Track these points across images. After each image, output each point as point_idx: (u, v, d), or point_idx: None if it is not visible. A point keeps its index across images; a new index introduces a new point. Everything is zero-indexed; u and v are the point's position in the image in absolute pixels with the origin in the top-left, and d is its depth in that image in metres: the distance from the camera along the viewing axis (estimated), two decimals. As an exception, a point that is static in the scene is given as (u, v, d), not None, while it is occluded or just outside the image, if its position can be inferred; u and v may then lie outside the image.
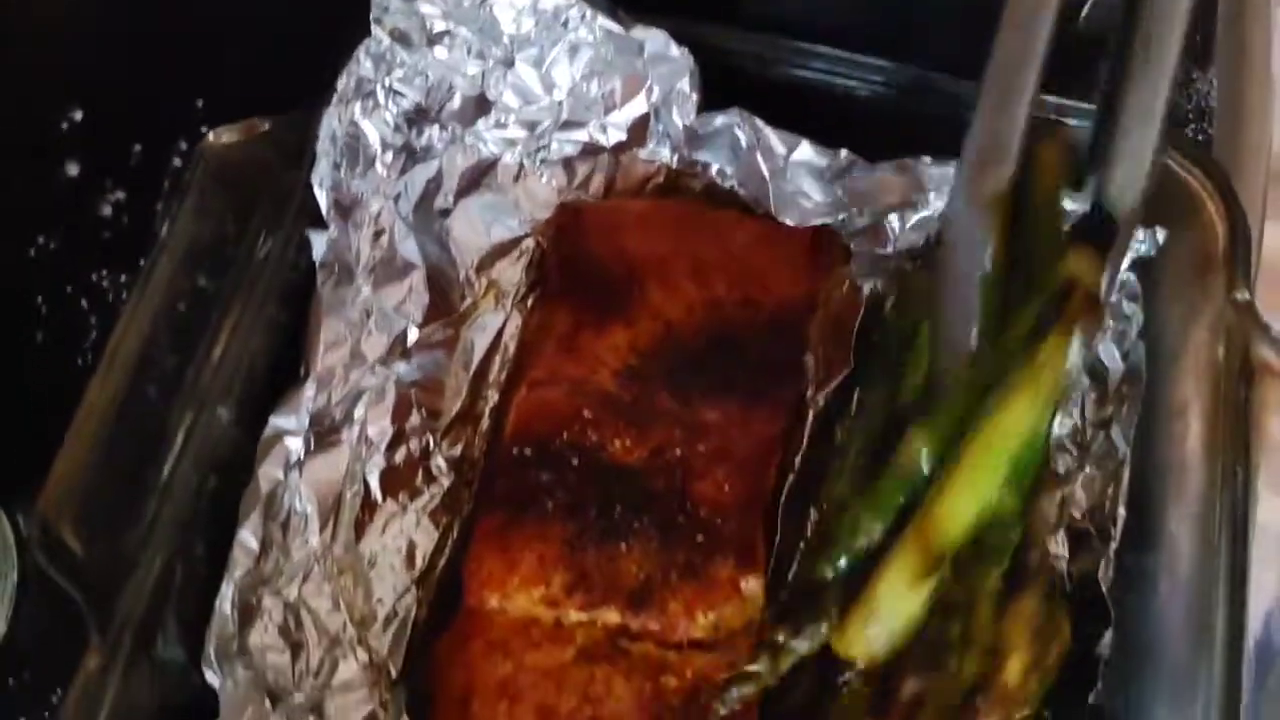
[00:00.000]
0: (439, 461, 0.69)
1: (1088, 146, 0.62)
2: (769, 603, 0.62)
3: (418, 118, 0.70)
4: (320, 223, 0.66)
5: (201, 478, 0.62)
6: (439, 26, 0.69)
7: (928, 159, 0.69)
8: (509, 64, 0.70)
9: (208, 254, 0.64)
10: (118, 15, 0.84)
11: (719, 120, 0.70)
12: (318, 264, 0.66)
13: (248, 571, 0.63)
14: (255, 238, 0.65)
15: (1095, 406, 0.69)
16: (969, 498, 0.58)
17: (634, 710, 0.61)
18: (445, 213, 0.73)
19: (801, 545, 0.65)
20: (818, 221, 0.70)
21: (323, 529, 0.65)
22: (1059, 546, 0.66)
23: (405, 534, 0.67)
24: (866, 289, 0.71)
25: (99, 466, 0.58)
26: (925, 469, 0.59)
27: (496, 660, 0.62)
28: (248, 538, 0.63)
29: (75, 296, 0.76)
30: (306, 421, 0.65)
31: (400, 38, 0.68)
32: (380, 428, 0.67)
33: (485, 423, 0.71)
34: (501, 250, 0.74)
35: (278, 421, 0.65)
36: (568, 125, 0.73)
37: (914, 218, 0.70)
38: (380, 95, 0.68)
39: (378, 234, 0.69)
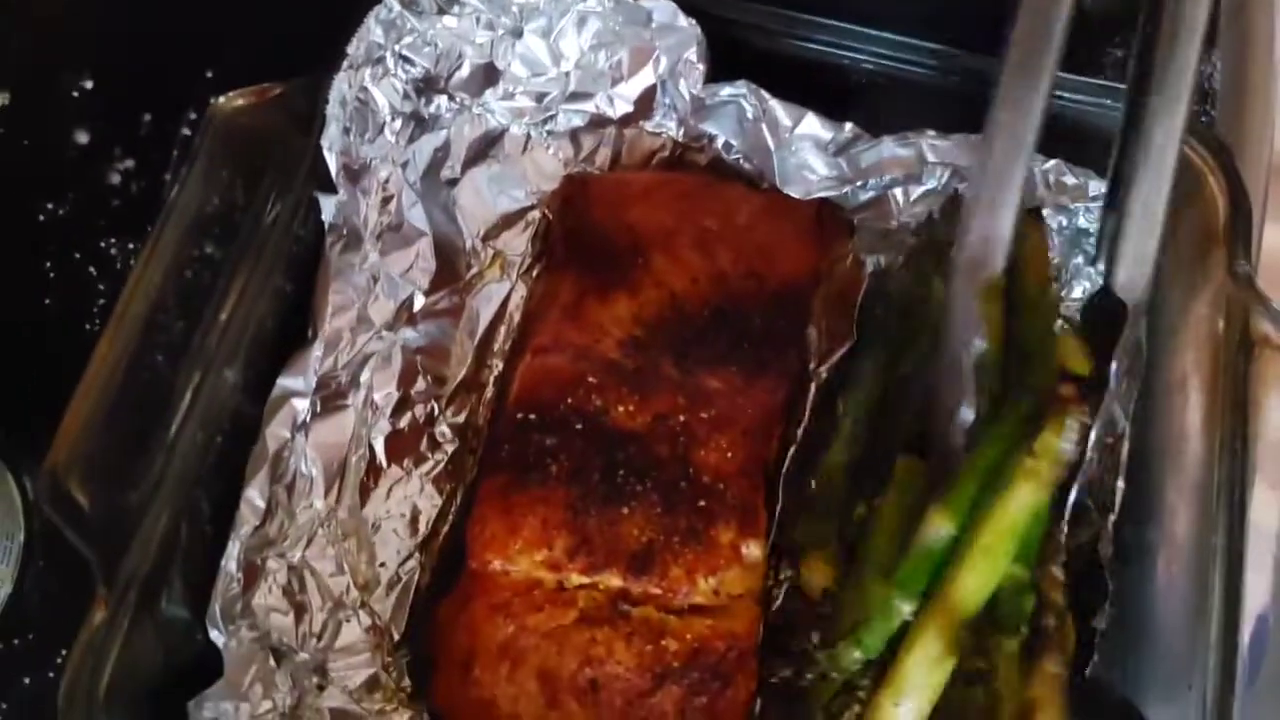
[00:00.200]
0: (443, 428, 0.70)
1: (1095, 237, 0.66)
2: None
3: (426, 86, 0.70)
4: (329, 187, 0.67)
5: (208, 438, 0.63)
6: (449, -6, 0.69)
7: (932, 133, 0.69)
8: (518, 34, 0.71)
9: (216, 219, 0.64)
10: (129, -16, 0.84)
11: (725, 91, 0.71)
12: (326, 227, 0.67)
13: (253, 531, 0.63)
14: (264, 202, 0.66)
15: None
16: (984, 576, 0.60)
17: (635, 673, 0.61)
18: (452, 182, 0.73)
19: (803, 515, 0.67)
20: (822, 194, 0.71)
21: (328, 492, 0.66)
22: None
23: (409, 499, 0.68)
24: (870, 263, 0.72)
25: (106, 424, 0.58)
26: (944, 545, 0.61)
27: (498, 623, 0.62)
28: (254, 497, 0.63)
29: (84, 263, 0.76)
30: (314, 383, 0.65)
31: (410, 5, 0.68)
32: (386, 393, 0.68)
33: (490, 390, 0.72)
34: (508, 221, 0.74)
35: (285, 382, 0.65)
36: (575, 97, 0.73)
37: (918, 191, 0.71)
38: (390, 62, 0.69)
39: (386, 200, 0.69)
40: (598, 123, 0.74)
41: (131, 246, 0.76)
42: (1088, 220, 0.69)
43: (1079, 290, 0.71)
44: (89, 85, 0.81)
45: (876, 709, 0.60)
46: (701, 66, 0.70)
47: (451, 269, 0.72)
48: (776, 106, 0.70)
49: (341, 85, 0.66)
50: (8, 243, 0.77)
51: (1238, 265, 0.63)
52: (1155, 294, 0.68)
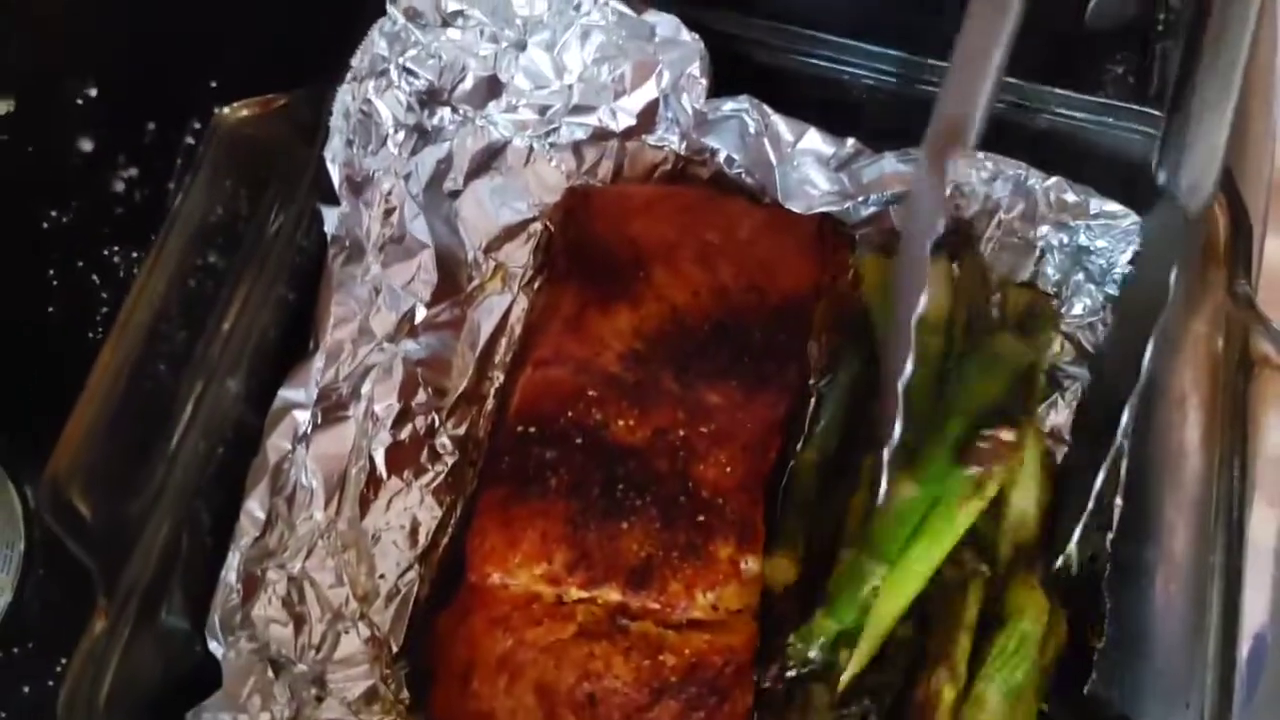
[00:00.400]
0: (444, 440, 0.70)
1: (1158, 144, 0.64)
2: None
3: (430, 98, 0.71)
4: (332, 199, 0.67)
5: (209, 449, 0.63)
6: (453, 7, 0.69)
7: (934, 149, 0.69)
8: (521, 46, 0.71)
9: (219, 229, 0.64)
10: (134, -8, 0.84)
11: (728, 106, 0.71)
12: (329, 238, 0.67)
13: (253, 543, 0.63)
14: (266, 213, 0.66)
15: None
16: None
17: (632, 688, 0.61)
18: (455, 194, 0.73)
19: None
20: (823, 209, 0.71)
21: (328, 504, 0.66)
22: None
23: (409, 511, 0.68)
24: (870, 277, 0.72)
25: (108, 434, 0.59)
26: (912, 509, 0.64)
27: (497, 636, 0.63)
28: (254, 508, 0.63)
29: (87, 271, 0.76)
30: (315, 395, 0.65)
31: (414, 17, 0.69)
32: (387, 404, 0.68)
33: (490, 403, 0.72)
34: (510, 233, 0.74)
35: (286, 394, 0.65)
36: (578, 110, 0.73)
37: (919, 207, 0.71)
38: (394, 74, 0.69)
39: (388, 212, 0.70)
40: (600, 135, 0.74)
41: (135, 255, 0.76)
42: (1088, 238, 0.69)
43: (1079, 307, 0.71)
44: (93, 93, 0.81)
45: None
46: (704, 81, 0.71)
47: (453, 281, 0.72)
48: (778, 121, 0.70)
49: (345, 97, 0.67)
50: (11, 250, 0.77)
51: (1238, 285, 0.63)
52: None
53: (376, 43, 0.68)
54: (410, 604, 0.67)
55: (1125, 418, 0.62)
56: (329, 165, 0.66)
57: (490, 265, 0.74)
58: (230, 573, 0.63)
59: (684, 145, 0.74)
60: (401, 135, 0.70)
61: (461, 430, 0.70)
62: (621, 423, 0.66)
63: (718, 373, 0.68)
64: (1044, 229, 0.70)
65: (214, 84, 0.80)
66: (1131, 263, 0.69)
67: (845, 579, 0.62)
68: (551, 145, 0.75)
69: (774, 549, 0.65)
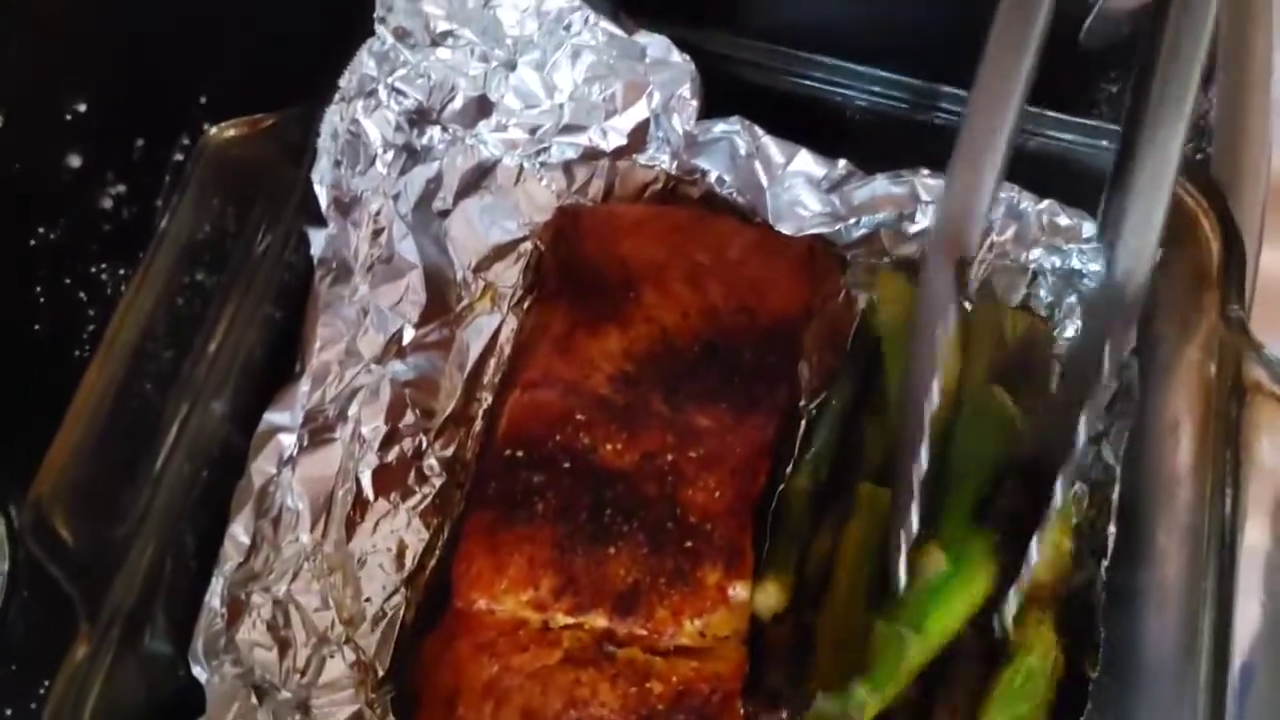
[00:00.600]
0: (431, 462, 0.69)
1: (1098, 222, 0.65)
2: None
3: (419, 118, 0.70)
4: (319, 220, 0.67)
5: (194, 471, 0.62)
6: (442, 27, 0.69)
7: (925, 171, 0.69)
8: (511, 66, 0.71)
9: (207, 247, 0.64)
10: (121, 9, 0.84)
11: (718, 127, 0.70)
12: (316, 260, 0.67)
13: (237, 567, 0.63)
14: (254, 233, 0.66)
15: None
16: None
17: (619, 715, 0.61)
18: (444, 213, 0.73)
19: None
20: (814, 231, 0.71)
21: (314, 526, 0.65)
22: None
23: (396, 534, 0.68)
24: (861, 299, 0.72)
25: (93, 456, 0.58)
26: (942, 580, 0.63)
27: (483, 661, 0.62)
28: (239, 533, 0.63)
29: (74, 288, 0.76)
30: (300, 418, 0.65)
31: (404, 37, 0.68)
32: (374, 426, 0.68)
33: (479, 424, 0.71)
34: (499, 252, 0.74)
35: (272, 417, 0.65)
36: (568, 129, 0.73)
37: (910, 229, 0.70)
38: (382, 94, 0.69)
39: (376, 233, 0.69)
40: (591, 155, 0.74)
41: (122, 272, 0.76)
42: (1081, 261, 0.69)
43: (1071, 330, 0.71)
44: (82, 109, 0.81)
45: None
46: (695, 102, 0.70)
47: (442, 301, 0.71)
48: (769, 143, 0.70)
49: (333, 118, 0.66)
50: (-2, 266, 0.77)
51: (1230, 310, 0.63)
52: (1147, 336, 0.68)
53: (365, 63, 0.68)
54: (396, 627, 0.67)
55: (1057, 493, 0.59)
56: (316, 187, 0.66)
57: (480, 285, 0.73)
58: (214, 597, 0.62)
59: (675, 165, 0.73)
60: (390, 155, 0.69)
61: (449, 452, 0.70)
62: (610, 446, 0.65)
63: (707, 395, 0.67)
64: (1036, 252, 0.69)
65: (203, 100, 0.79)
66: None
67: (883, 650, 0.61)
68: (542, 164, 0.74)
69: (763, 575, 0.64)
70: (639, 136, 0.73)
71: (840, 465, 0.68)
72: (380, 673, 0.66)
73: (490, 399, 0.72)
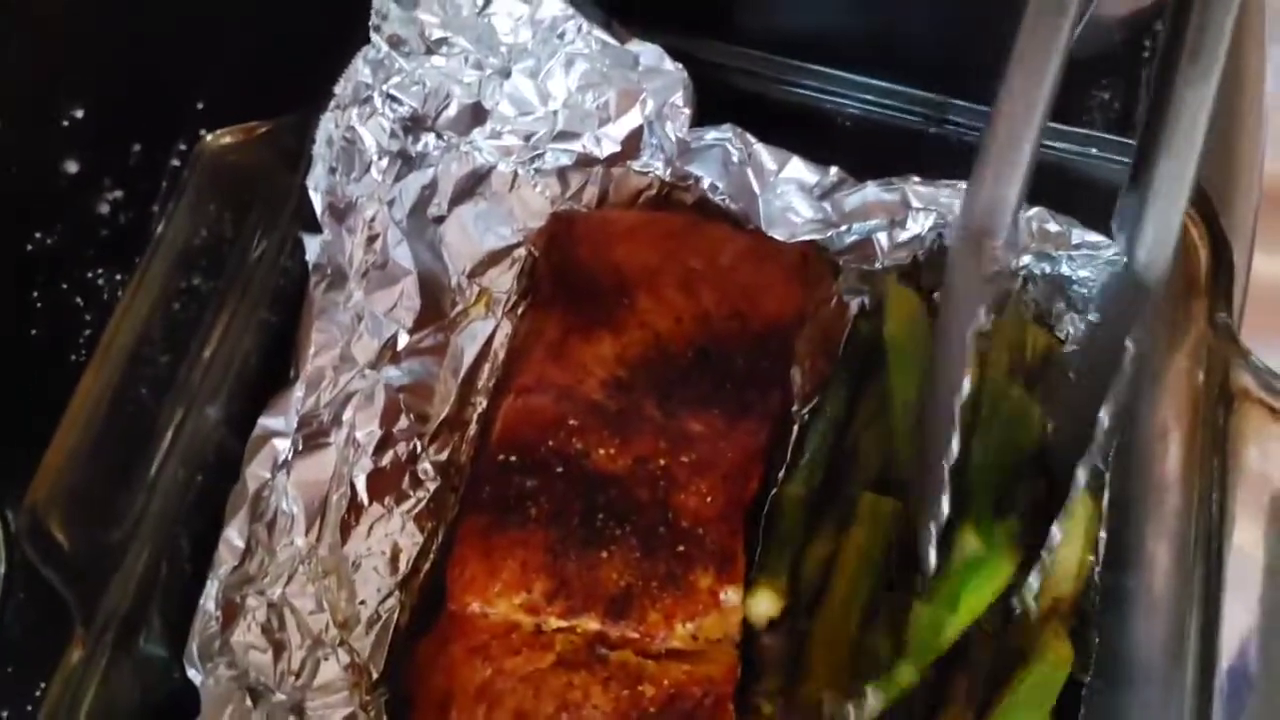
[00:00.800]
0: (425, 466, 0.70)
1: (1116, 213, 0.63)
2: None
3: (414, 125, 0.71)
4: (315, 226, 0.67)
5: (189, 476, 0.63)
6: (437, 34, 0.70)
7: (916, 179, 0.69)
8: (506, 74, 0.71)
9: (202, 253, 0.64)
10: (119, 14, 0.84)
11: (711, 135, 0.71)
12: (311, 266, 0.67)
13: (232, 570, 0.63)
14: (250, 239, 0.66)
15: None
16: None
17: (611, 717, 0.61)
18: (439, 220, 0.73)
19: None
20: (806, 237, 0.71)
21: (308, 530, 0.66)
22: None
23: (390, 537, 0.68)
24: (854, 305, 0.72)
25: (89, 460, 0.59)
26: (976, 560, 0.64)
27: (476, 665, 0.62)
28: (233, 536, 0.63)
29: (70, 293, 0.76)
30: (295, 423, 0.65)
31: (398, 45, 0.69)
32: (368, 431, 0.68)
33: (473, 429, 0.72)
34: (494, 258, 0.74)
35: (266, 422, 0.65)
36: (562, 136, 0.73)
37: (901, 236, 0.71)
38: (378, 101, 0.69)
39: (371, 239, 0.70)
40: (585, 162, 0.74)
41: (119, 277, 0.76)
42: (1070, 268, 0.69)
43: (1061, 335, 0.72)
44: (80, 114, 0.81)
45: None
46: (687, 110, 0.71)
47: (436, 307, 0.72)
48: (761, 150, 0.70)
49: (328, 125, 0.67)
50: (-6, 271, 0.77)
51: (1218, 317, 0.63)
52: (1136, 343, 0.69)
53: (360, 70, 0.68)
54: (390, 630, 0.67)
55: (1078, 482, 0.61)
56: (311, 194, 0.66)
57: (474, 290, 0.74)
58: (209, 600, 0.63)
59: (668, 172, 0.74)
60: (385, 162, 0.70)
61: (443, 456, 0.70)
62: (603, 451, 0.66)
63: (700, 400, 0.68)
64: (1026, 258, 0.70)
65: (200, 105, 0.80)
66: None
67: (923, 632, 0.62)
68: (536, 171, 0.75)
69: (756, 581, 0.64)
70: (632, 143, 0.73)
71: (833, 471, 0.68)
72: (374, 675, 0.66)
73: (484, 404, 0.72)
